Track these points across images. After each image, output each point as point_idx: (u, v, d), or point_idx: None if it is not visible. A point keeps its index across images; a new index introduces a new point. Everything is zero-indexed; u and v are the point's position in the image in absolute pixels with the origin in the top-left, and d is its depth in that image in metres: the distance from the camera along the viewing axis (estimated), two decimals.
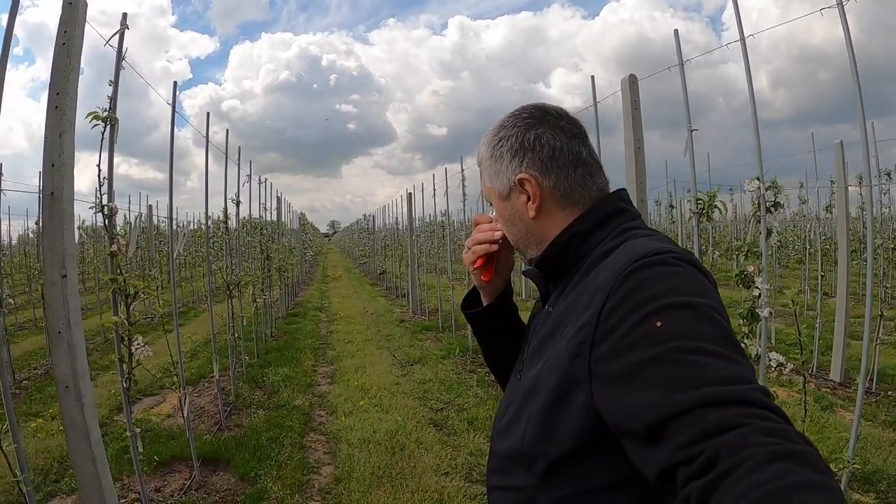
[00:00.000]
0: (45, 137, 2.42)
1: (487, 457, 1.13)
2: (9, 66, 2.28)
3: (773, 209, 2.96)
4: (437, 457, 4.54)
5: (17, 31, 2.36)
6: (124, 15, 2.85)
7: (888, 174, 7.26)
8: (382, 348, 8.87)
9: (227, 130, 6.64)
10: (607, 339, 0.82)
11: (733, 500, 0.58)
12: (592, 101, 4.24)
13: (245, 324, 7.17)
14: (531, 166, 1.05)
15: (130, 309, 2.97)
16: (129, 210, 14.46)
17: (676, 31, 3.31)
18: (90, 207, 2.85)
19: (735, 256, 3.12)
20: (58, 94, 2.42)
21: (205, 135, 5.42)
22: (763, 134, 2.93)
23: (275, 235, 12.06)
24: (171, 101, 4.04)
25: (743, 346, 2.76)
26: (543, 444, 0.92)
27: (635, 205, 3.26)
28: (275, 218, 12.30)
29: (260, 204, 9.52)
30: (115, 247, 2.85)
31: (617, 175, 3.59)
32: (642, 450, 0.74)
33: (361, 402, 6.04)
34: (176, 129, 4.18)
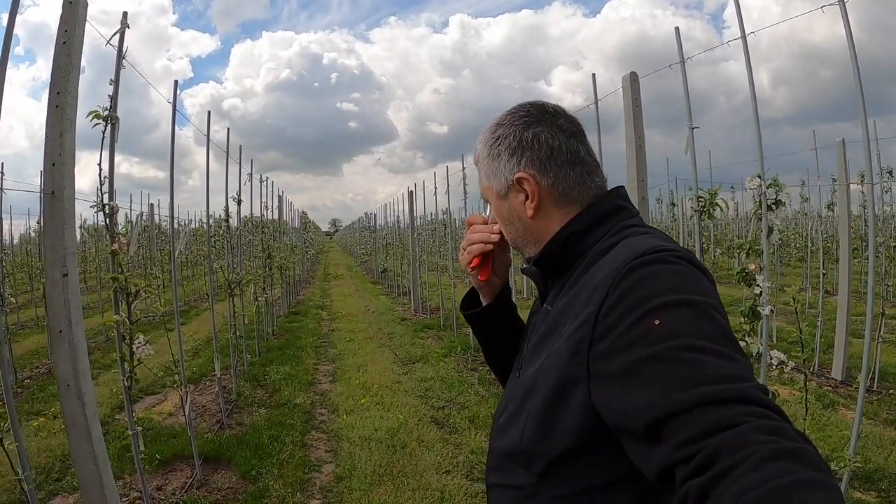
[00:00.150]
0: (46, 136, 2.43)
1: (487, 454, 1.13)
2: (9, 65, 2.28)
3: (774, 207, 2.96)
4: (439, 455, 4.55)
5: (17, 30, 2.36)
6: (124, 14, 2.85)
7: (889, 172, 7.23)
8: (384, 346, 8.88)
9: (228, 129, 6.64)
10: (606, 338, 0.82)
11: (732, 498, 0.58)
12: (593, 100, 4.23)
13: (246, 322, 7.18)
14: (529, 165, 1.05)
15: (132, 308, 2.97)
16: (131, 209, 14.49)
17: (677, 29, 3.31)
18: (91, 206, 2.85)
19: (736, 254, 3.12)
20: (58, 93, 2.42)
21: (206, 133, 5.42)
22: (764, 132, 2.92)
23: (276, 234, 12.07)
24: (171, 100, 4.04)
25: (744, 344, 2.77)
26: (542, 443, 0.92)
27: (636, 203, 3.25)
28: (276, 216, 12.31)
29: (261, 202, 9.53)
30: (116, 246, 2.85)
31: (618, 173, 3.58)
32: (641, 448, 0.74)
33: (363, 401, 6.04)
34: (177, 128, 4.18)
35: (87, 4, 2.54)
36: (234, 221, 7.11)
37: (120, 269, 2.92)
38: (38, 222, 10.71)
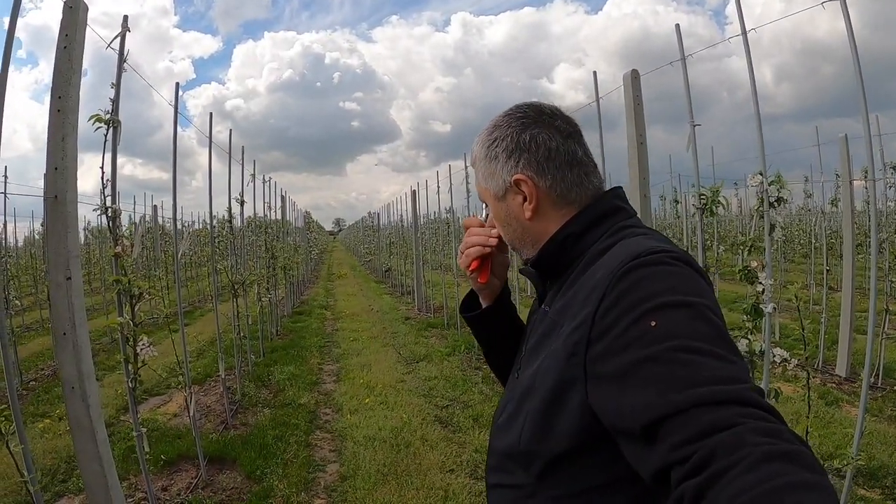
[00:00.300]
0: (48, 141, 2.44)
1: (487, 454, 1.14)
2: (12, 68, 2.29)
3: (776, 204, 2.95)
4: (443, 454, 4.55)
5: (19, 33, 2.37)
6: (125, 17, 2.86)
7: (893, 168, 7.21)
8: (388, 346, 8.88)
9: (231, 130, 6.66)
10: (603, 339, 0.82)
11: (727, 499, 0.58)
12: (595, 97, 4.23)
13: (250, 323, 7.20)
14: (527, 167, 1.05)
15: (135, 309, 2.98)
16: (135, 211, 14.51)
17: (678, 26, 3.30)
18: (94, 209, 2.86)
19: (740, 252, 3.11)
20: (60, 97, 2.43)
21: (208, 135, 5.43)
22: (767, 128, 2.92)
23: (279, 234, 12.09)
24: (173, 103, 4.05)
25: (747, 341, 2.76)
26: (540, 444, 0.93)
27: (638, 200, 3.25)
28: (279, 217, 12.32)
29: (264, 203, 9.54)
30: (119, 248, 2.86)
31: (620, 170, 3.58)
32: (638, 449, 0.74)
33: (367, 400, 6.05)
34: (180, 130, 4.19)
35: (87, 9, 2.54)
36: (237, 222, 7.13)
37: (123, 272, 2.93)
38: (42, 225, 10.75)
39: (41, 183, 2.49)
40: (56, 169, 2.43)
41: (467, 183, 9.19)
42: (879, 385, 5.67)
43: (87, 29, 2.58)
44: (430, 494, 3.91)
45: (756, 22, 3.02)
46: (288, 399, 6.18)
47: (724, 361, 0.73)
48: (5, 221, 9.76)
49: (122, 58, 2.87)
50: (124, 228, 3.03)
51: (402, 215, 17.33)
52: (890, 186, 6.82)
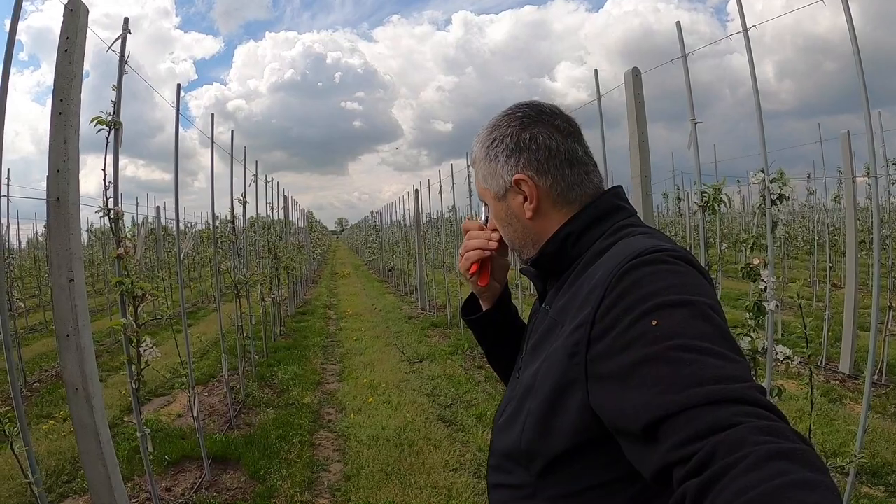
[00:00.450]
0: (50, 144, 2.44)
1: (488, 454, 1.14)
2: (14, 71, 2.30)
3: (778, 202, 2.95)
4: (446, 453, 4.56)
5: (21, 35, 2.38)
6: (126, 20, 2.86)
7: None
8: (391, 345, 8.89)
9: (233, 132, 6.66)
10: (603, 339, 0.82)
11: (729, 498, 0.57)
12: (597, 95, 4.22)
13: (254, 323, 7.21)
14: (527, 166, 1.05)
15: (138, 311, 2.99)
16: (137, 212, 14.53)
17: (678, 24, 3.30)
18: (97, 211, 2.87)
19: (742, 249, 3.11)
20: (61, 100, 2.44)
21: (210, 136, 5.44)
22: (769, 125, 2.92)
23: (282, 234, 12.10)
24: (174, 104, 4.06)
25: (749, 339, 2.76)
26: (540, 443, 0.93)
27: (640, 198, 3.25)
28: (282, 217, 12.34)
29: (267, 203, 9.56)
30: (121, 250, 2.87)
31: (623, 168, 3.58)
32: (639, 449, 0.74)
33: (370, 400, 6.06)
34: (182, 130, 4.20)
35: (87, 11, 2.55)
36: (239, 222, 7.14)
37: (126, 273, 2.93)
38: (45, 227, 10.79)
39: (44, 185, 2.50)
40: (58, 171, 2.44)
41: (469, 182, 9.19)
42: (883, 382, 5.66)
43: (88, 31, 2.59)
44: (433, 493, 3.91)
45: (758, 18, 3.01)
46: (291, 399, 6.19)
47: (726, 360, 0.73)
48: (8, 223, 9.80)
49: (123, 60, 2.87)
50: (127, 230, 3.03)
51: (404, 214, 17.34)
52: (893, 183, 6.81)
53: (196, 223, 19.25)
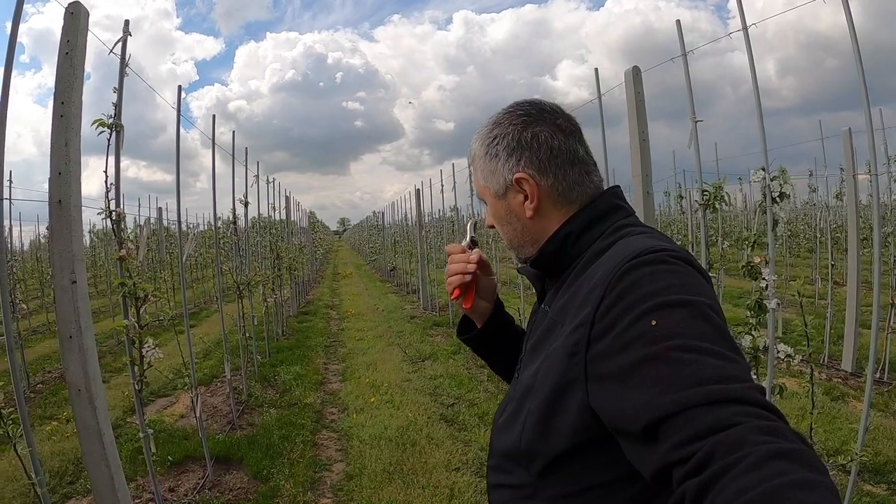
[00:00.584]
0: (52, 146, 2.45)
1: (488, 454, 1.14)
2: (15, 73, 2.31)
3: (778, 200, 2.95)
4: (448, 452, 4.56)
5: (22, 38, 2.39)
6: (126, 22, 2.87)
7: None
8: (393, 345, 8.89)
9: (234, 132, 6.67)
10: (603, 339, 0.82)
11: (729, 498, 0.58)
12: (598, 93, 4.22)
13: (256, 323, 7.21)
14: (528, 165, 1.04)
15: (140, 312, 3.00)
16: (139, 213, 14.57)
17: (678, 22, 3.30)
18: (98, 213, 2.88)
19: (744, 247, 3.11)
20: (62, 103, 2.45)
21: (211, 137, 5.44)
22: (771, 122, 2.92)
23: (284, 235, 12.11)
24: (175, 106, 4.06)
25: (751, 337, 2.76)
26: (540, 443, 0.93)
27: (641, 197, 3.24)
28: (284, 217, 12.35)
29: (268, 204, 9.57)
30: (123, 252, 2.88)
31: (623, 167, 3.58)
32: (639, 449, 0.74)
33: (372, 399, 6.06)
34: (183, 131, 4.20)
35: (88, 14, 2.56)
36: (241, 223, 7.15)
37: (128, 275, 2.94)
38: (47, 229, 10.81)
39: (46, 186, 2.51)
40: (60, 174, 2.45)
41: (470, 181, 9.16)
42: (885, 380, 5.65)
43: (89, 34, 2.59)
44: (435, 493, 3.92)
45: (759, 16, 3.01)
46: (294, 399, 6.20)
47: (725, 360, 0.73)
48: (10, 225, 9.81)
49: (124, 62, 2.88)
50: (129, 231, 3.04)
51: (406, 214, 17.34)
52: (895, 180, 6.80)
53: (198, 224, 19.28)
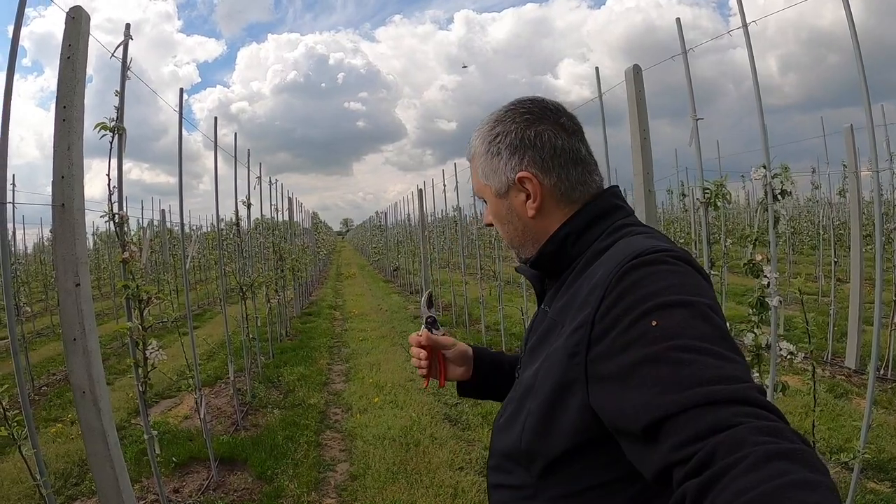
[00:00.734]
0: (55, 150, 2.46)
1: (488, 455, 1.14)
2: (17, 76, 2.32)
3: (780, 197, 2.94)
4: (452, 452, 4.57)
5: (24, 42, 2.40)
6: (127, 26, 2.87)
7: None
8: (397, 345, 8.89)
9: (236, 134, 6.67)
10: (603, 340, 0.82)
11: (729, 498, 0.58)
12: (598, 92, 4.21)
13: (260, 324, 7.22)
14: (532, 164, 1.04)
15: (144, 314, 3.01)
16: (143, 216, 14.60)
17: (678, 20, 3.29)
18: (101, 216, 2.89)
19: (746, 245, 3.11)
20: (65, 107, 2.45)
21: (213, 139, 5.45)
22: (773, 119, 2.92)
23: (287, 236, 12.12)
24: (178, 108, 4.07)
25: (753, 335, 2.76)
26: (540, 444, 0.93)
27: (643, 195, 3.24)
28: (286, 218, 12.36)
29: (271, 205, 9.57)
30: (126, 254, 2.88)
31: (625, 165, 3.57)
32: (639, 449, 0.75)
33: (376, 399, 6.07)
34: (186, 133, 4.21)
35: (89, 19, 2.56)
36: (244, 225, 7.16)
37: (131, 277, 2.95)
38: (51, 232, 10.85)
39: (49, 189, 2.52)
40: (63, 177, 2.46)
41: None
42: (889, 377, 5.64)
43: (91, 38, 2.60)
44: (439, 492, 3.92)
45: (760, 12, 3.01)
46: (298, 400, 6.21)
47: (725, 360, 0.73)
48: (14, 229, 9.85)
49: (125, 65, 2.89)
50: (132, 233, 3.05)
51: (409, 214, 17.35)
52: None
53: (201, 226, 19.30)
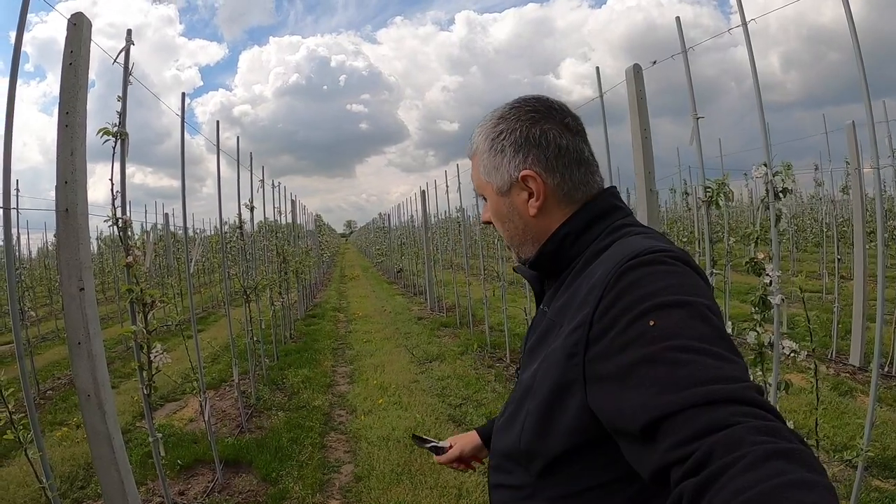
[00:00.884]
0: (57, 156, 2.47)
1: (488, 455, 1.14)
2: (20, 82, 2.33)
3: (781, 195, 2.94)
4: None
5: (26, 47, 2.41)
6: (129, 31, 2.88)
7: None
8: (401, 346, 8.90)
9: (238, 137, 6.70)
10: (601, 340, 0.83)
11: (726, 498, 0.58)
12: (599, 92, 4.21)
13: (264, 327, 7.24)
14: (536, 163, 1.03)
15: (148, 317, 3.02)
16: (146, 219, 14.63)
17: (678, 19, 3.29)
18: (105, 220, 2.90)
19: (748, 243, 3.11)
20: (67, 113, 2.47)
21: (216, 143, 5.47)
22: (776, 116, 2.94)
23: (291, 238, 12.14)
24: (180, 113, 4.09)
25: (755, 333, 2.76)
26: (539, 444, 0.93)
27: (644, 194, 3.25)
28: (290, 221, 12.38)
29: (274, 208, 9.59)
30: (130, 259, 2.90)
31: (627, 165, 3.57)
32: (637, 449, 0.75)
33: (380, 401, 6.08)
34: (189, 137, 4.22)
35: (91, 25, 2.58)
36: (247, 228, 7.17)
37: (135, 281, 2.97)
38: (55, 236, 10.87)
39: (52, 194, 2.53)
40: (66, 183, 2.47)
41: None
42: (893, 374, 5.62)
43: (92, 43, 2.62)
44: (443, 493, 3.92)
45: (760, 10, 3.01)
46: (302, 402, 6.22)
47: (723, 360, 0.73)
48: (18, 234, 9.88)
49: (127, 71, 2.90)
50: (136, 237, 3.06)
51: (412, 215, 17.35)
52: None
53: (204, 229, 19.35)
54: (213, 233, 18.00)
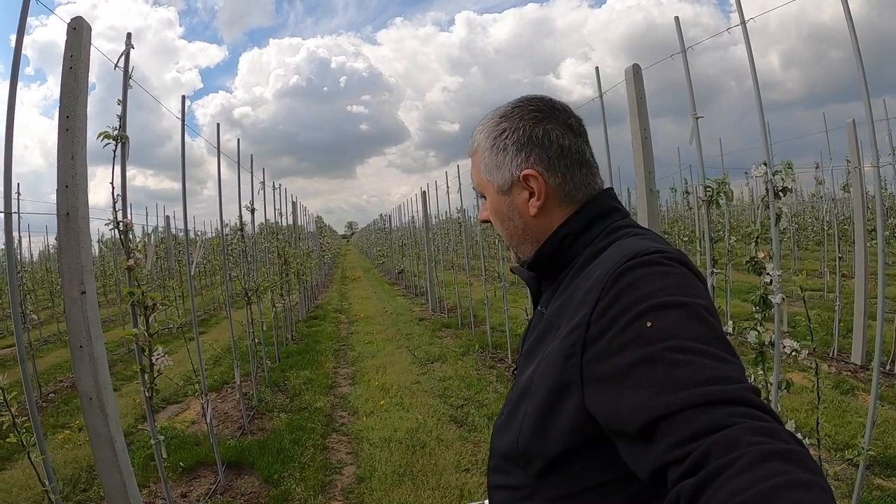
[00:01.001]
0: (58, 160, 2.48)
1: (488, 456, 1.14)
2: (21, 85, 2.34)
3: (782, 194, 2.94)
4: (458, 453, 4.57)
5: (26, 50, 2.42)
6: (129, 35, 2.89)
7: None
8: (402, 347, 8.90)
9: (239, 140, 6.71)
10: (599, 341, 0.83)
11: (724, 499, 0.58)
12: (599, 92, 4.22)
13: (265, 329, 7.24)
14: (538, 162, 1.04)
15: (149, 320, 3.03)
16: (147, 222, 14.64)
17: (677, 19, 3.30)
18: (106, 224, 2.91)
19: (749, 242, 3.12)
20: (67, 116, 2.48)
21: (216, 146, 5.47)
22: (776, 115, 2.95)
23: (292, 240, 12.15)
24: (180, 116, 4.09)
25: (756, 332, 2.76)
26: (537, 445, 0.93)
27: (644, 194, 3.25)
28: (291, 222, 12.38)
29: (275, 209, 9.59)
30: (131, 262, 2.90)
31: (627, 164, 3.58)
32: (635, 450, 0.75)
33: (382, 402, 6.08)
34: (189, 139, 4.23)
35: (90, 29, 2.58)
36: (248, 230, 7.18)
37: (136, 284, 2.97)
38: (56, 240, 10.87)
39: (53, 197, 2.54)
40: (67, 187, 2.48)
41: None
42: (894, 372, 5.60)
43: (92, 47, 2.62)
44: (445, 494, 3.93)
45: (760, 9, 3.01)
46: (304, 403, 6.21)
47: (720, 361, 0.74)
48: (20, 238, 9.89)
49: (127, 74, 2.91)
50: (137, 240, 3.07)
51: (413, 216, 17.37)
52: None
53: (205, 231, 19.36)
54: (214, 235, 18.00)
